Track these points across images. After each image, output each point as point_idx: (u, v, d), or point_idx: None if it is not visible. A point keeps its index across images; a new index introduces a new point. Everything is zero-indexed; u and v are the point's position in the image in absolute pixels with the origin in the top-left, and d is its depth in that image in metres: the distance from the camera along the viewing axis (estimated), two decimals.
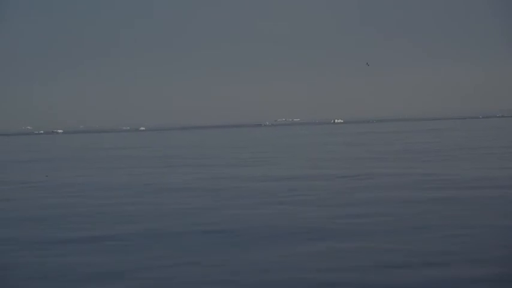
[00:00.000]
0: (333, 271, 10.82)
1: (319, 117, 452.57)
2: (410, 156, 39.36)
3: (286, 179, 25.70)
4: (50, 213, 19.48)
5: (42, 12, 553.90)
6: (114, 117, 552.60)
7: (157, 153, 50.72)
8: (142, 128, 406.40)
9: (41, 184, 27.86)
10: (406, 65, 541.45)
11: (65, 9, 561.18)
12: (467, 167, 30.30)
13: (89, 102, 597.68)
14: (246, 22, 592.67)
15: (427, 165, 31.44)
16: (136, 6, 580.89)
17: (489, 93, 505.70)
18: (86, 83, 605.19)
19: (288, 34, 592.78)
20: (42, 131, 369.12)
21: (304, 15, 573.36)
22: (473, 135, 77.18)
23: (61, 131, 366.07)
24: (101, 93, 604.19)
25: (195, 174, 30.33)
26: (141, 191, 23.86)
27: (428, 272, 10.65)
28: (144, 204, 20.02)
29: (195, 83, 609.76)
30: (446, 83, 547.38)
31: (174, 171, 33.04)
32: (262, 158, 41.79)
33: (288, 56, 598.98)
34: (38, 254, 13.52)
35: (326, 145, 65.18)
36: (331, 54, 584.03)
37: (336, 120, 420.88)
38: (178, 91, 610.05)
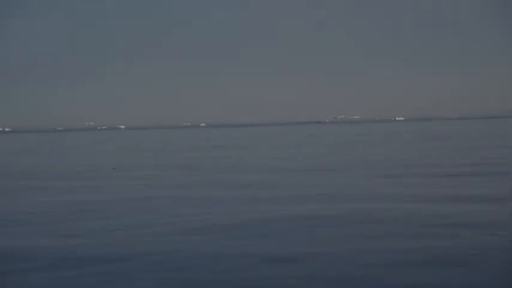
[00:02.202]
0: None
1: (378, 114, 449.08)
2: None
3: None
4: None
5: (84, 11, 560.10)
6: (162, 113, 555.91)
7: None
8: (202, 124, 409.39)
9: None
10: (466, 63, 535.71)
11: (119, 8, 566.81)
12: None
13: (138, 100, 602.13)
14: (304, 21, 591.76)
15: None
16: (198, 6, 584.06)
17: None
18: (133, 81, 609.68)
19: (350, 32, 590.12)
20: (104, 127, 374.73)
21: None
22: None
23: (123, 126, 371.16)
24: (147, 91, 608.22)
25: None
26: None
27: None
28: None
29: (250, 80, 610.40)
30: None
31: None
32: None
33: (347, 53, 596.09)
34: None
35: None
36: (389, 52, 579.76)
37: (396, 118, 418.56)
38: (233, 88, 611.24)
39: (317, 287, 8.69)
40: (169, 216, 15.03)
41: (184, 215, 15.32)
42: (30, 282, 9.28)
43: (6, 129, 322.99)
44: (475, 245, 10.69)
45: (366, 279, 8.95)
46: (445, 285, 8.59)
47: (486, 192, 18.01)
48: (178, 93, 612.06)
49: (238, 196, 18.87)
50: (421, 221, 13.38)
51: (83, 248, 11.53)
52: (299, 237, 12.03)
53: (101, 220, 14.85)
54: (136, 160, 41.66)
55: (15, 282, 9.28)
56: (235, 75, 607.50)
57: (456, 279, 8.82)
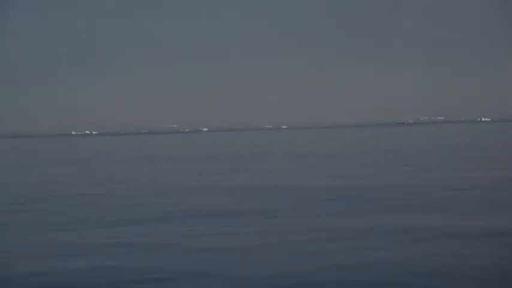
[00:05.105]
0: None
1: (463, 115, 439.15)
2: None
3: None
4: None
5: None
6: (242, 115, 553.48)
7: None
8: (284, 127, 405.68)
9: None
10: None
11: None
12: None
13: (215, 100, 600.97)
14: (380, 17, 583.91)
15: None
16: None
17: None
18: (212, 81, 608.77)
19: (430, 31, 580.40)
20: (187, 129, 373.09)
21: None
22: None
23: (206, 129, 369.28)
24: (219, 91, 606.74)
25: None
26: None
27: None
28: None
29: (328, 78, 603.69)
30: None
31: None
32: None
33: (429, 50, 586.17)
34: None
35: None
36: (473, 48, 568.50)
37: (482, 119, 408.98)
38: (309, 88, 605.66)
39: None
40: None
41: None
42: None
43: (93, 132, 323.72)
44: None
45: None
46: None
47: None
48: (254, 96, 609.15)
49: None
50: None
51: None
52: None
53: None
54: None
55: None
56: (307, 76, 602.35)
57: None
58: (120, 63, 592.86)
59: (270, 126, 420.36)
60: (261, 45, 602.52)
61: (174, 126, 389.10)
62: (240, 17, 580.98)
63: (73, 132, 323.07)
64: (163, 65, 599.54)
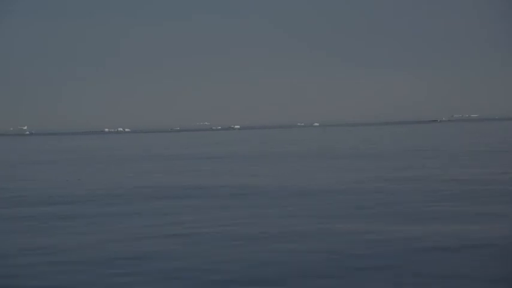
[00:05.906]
0: None
1: (497, 113, 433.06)
2: None
3: None
4: None
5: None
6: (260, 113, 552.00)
7: None
8: (316, 124, 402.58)
9: None
10: None
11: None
12: None
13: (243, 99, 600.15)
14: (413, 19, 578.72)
15: None
16: None
17: None
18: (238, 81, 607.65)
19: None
20: (219, 127, 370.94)
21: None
22: None
23: (238, 126, 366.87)
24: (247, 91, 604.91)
25: None
26: None
27: None
28: None
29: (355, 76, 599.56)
30: None
31: None
32: None
33: (459, 47, 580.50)
34: None
35: None
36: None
37: None
38: (337, 85, 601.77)
39: None
40: None
41: None
42: None
43: (126, 130, 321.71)
44: None
45: None
46: None
47: None
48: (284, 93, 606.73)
49: None
50: None
51: None
52: None
53: None
54: None
55: None
56: (344, 73, 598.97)
57: None
58: (150, 60, 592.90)
59: (303, 124, 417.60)
60: (287, 44, 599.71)
61: (206, 123, 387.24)
62: (263, 16, 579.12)
63: (106, 130, 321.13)
64: (194, 62, 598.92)
